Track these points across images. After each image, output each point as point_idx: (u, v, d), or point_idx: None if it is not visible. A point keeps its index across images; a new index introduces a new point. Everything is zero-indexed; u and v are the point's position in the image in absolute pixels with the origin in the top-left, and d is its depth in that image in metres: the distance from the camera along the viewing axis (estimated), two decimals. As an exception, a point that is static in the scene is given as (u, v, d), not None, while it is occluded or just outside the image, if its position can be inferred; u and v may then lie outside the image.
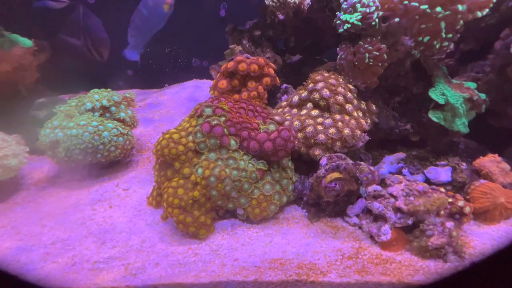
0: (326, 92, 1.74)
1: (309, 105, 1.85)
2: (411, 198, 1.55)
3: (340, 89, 1.74)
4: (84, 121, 1.93)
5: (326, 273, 1.36)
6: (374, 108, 1.95)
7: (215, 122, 1.59)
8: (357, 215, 1.72)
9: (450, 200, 1.63)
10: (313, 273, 1.36)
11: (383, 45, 1.70)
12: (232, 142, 1.62)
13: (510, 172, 1.84)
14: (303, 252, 1.50)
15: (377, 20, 1.70)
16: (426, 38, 1.80)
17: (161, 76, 3.58)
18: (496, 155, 1.89)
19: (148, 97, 3.16)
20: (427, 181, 1.89)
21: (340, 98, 1.73)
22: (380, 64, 1.75)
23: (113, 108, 2.12)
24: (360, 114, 1.78)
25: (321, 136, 1.68)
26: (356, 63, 1.73)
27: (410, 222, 1.54)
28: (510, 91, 2.05)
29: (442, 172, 1.85)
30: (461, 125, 1.99)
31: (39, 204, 1.87)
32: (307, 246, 1.54)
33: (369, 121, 1.83)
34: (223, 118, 1.63)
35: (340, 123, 1.69)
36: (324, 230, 1.67)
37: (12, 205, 1.87)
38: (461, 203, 1.62)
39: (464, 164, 1.99)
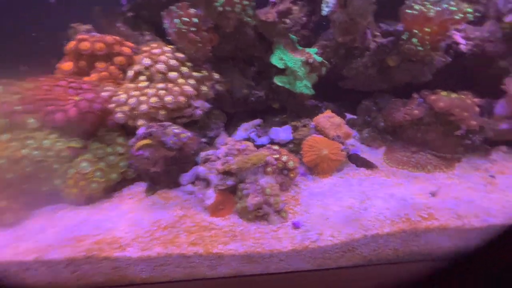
0: (146, 61, 1.69)
1: (142, 77, 1.79)
2: (229, 158, 1.55)
3: (162, 57, 1.70)
4: None
5: (125, 247, 1.29)
6: (217, 76, 1.95)
7: (2, 100, 1.46)
8: (193, 183, 1.69)
9: (276, 156, 1.65)
10: (110, 248, 1.29)
11: (193, 10, 1.68)
12: (31, 120, 1.51)
13: (341, 125, 1.93)
14: (116, 227, 1.42)
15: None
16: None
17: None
18: (329, 111, 1.97)
19: None
20: (272, 142, 1.92)
21: (161, 66, 1.69)
22: (202, 31, 1.73)
23: None
24: (192, 81, 1.75)
25: (143, 106, 1.63)
26: (175, 30, 1.69)
27: (229, 182, 1.52)
28: (345, 53, 2.17)
29: (281, 132, 1.89)
30: (303, 87, 2.05)
31: None
32: (124, 221, 1.47)
33: (206, 88, 1.81)
34: (15, 96, 1.52)
35: (162, 91, 1.65)
36: (155, 202, 1.61)
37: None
38: (284, 158, 1.64)
39: (313, 123, 2.06)
